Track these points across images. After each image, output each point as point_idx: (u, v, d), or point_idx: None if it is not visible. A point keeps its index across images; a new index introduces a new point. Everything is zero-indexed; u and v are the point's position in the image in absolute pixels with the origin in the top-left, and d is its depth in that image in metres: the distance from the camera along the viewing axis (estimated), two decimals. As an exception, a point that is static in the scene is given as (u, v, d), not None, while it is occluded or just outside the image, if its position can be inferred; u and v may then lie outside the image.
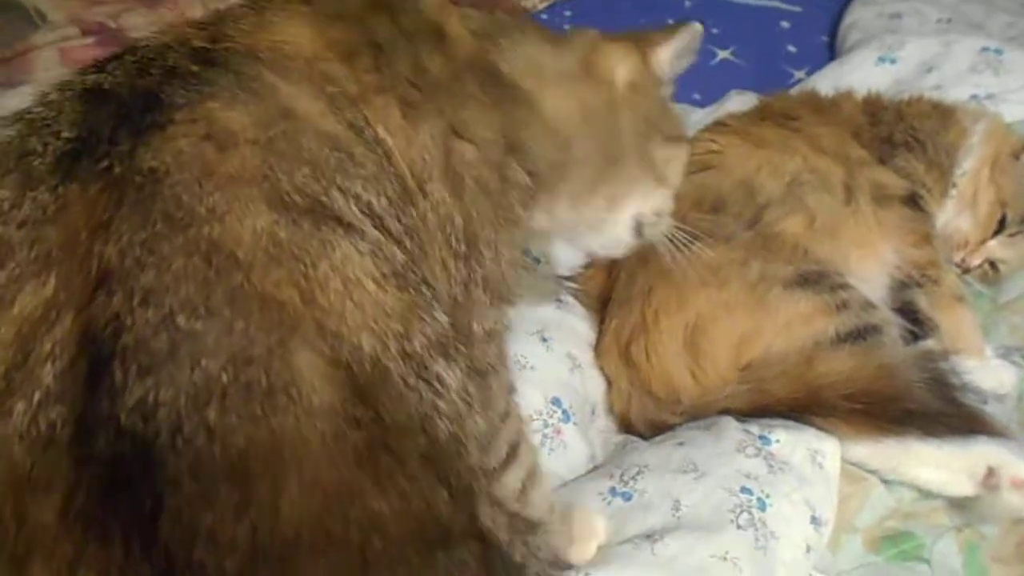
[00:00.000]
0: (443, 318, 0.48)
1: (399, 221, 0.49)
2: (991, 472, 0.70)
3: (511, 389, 0.60)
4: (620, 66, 0.67)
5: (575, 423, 0.79)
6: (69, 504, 0.37)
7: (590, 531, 0.65)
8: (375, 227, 0.47)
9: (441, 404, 0.45)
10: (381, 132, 0.52)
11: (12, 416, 0.38)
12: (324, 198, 0.46)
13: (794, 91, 1.14)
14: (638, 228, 0.68)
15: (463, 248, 0.55)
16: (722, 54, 1.47)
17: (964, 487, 0.71)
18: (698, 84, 1.38)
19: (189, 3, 1.49)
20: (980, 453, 0.70)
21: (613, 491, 0.70)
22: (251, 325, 0.39)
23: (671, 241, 0.72)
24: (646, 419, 0.82)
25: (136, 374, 0.38)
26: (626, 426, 0.84)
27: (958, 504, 0.72)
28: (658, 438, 0.79)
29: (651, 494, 0.69)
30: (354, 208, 0.47)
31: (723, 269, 0.81)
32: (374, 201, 0.48)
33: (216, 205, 0.42)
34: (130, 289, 0.40)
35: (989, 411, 0.73)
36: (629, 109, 0.66)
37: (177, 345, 0.39)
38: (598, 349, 0.87)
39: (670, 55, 0.70)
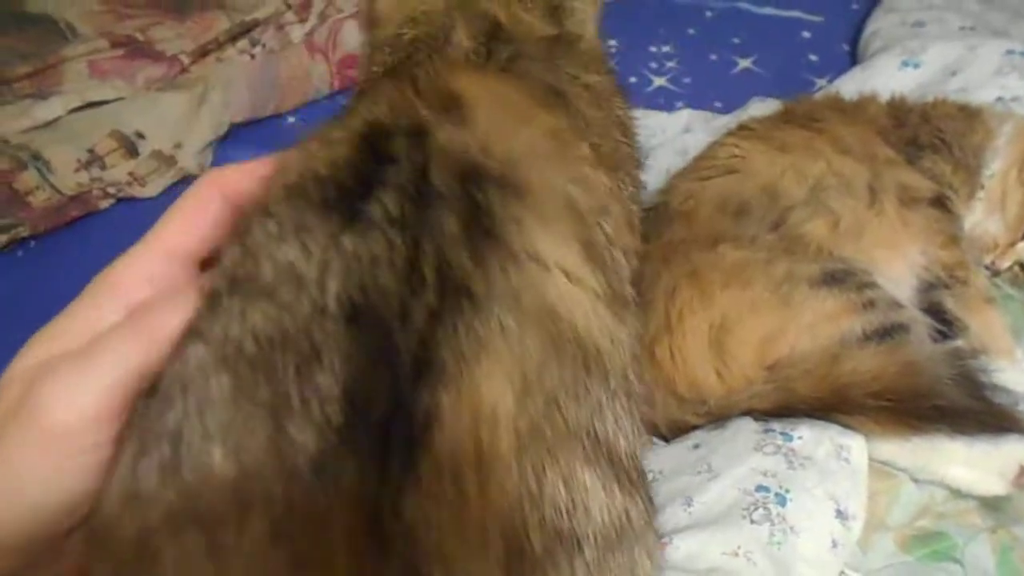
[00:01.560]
0: None
1: None
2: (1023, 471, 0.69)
3: None
4: None
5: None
6: None
7: None
8: None
9: None
10: None
11: None
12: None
13: (818, 95, 1.14)
14: None
15: None
16: (743, 63, 1.47)
17: (996, 486, 0.70)
18: (720, 93, 1.39)
19: (215, 18, 1.52)
20: (1012, 451, 0.69)
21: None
22: None
23: None
24: (669, 420, 0.82)
25: None
26: (648, 427, 0.83)
27: (991, 504, 0.71)
28: (674, 441, 0.78)
29: (663, 497, 0.68)
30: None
31: (748, 269, 0.81)
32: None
33: None
34: None
35: (1021, 410, 0.72)
36: None
37: None
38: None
39: None
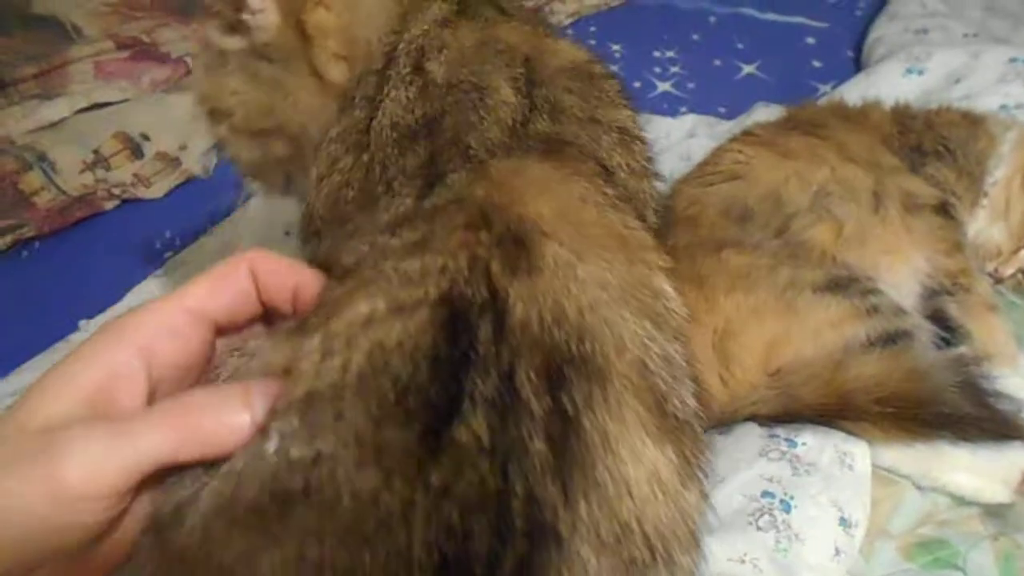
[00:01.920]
0: None
1: None
2: (1027, 479, 0.69)
3: None
4: None
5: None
6: None
7: None
8: None
9: None
10: None
11: None
12: None
13: (821, 101, 1.14)
14: None
15: None
16: (747, 69, 1.47)
17: (999, 494, 0.70)
18: (723, 98, 1.39)
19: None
20: (1015, 459, 0.69)
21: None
22: None
23: None
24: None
25: None
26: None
27: (993, 511, 0.71)
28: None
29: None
30: None
31: (751, 274, 0.81)
32: None
33: None
34: None
35: (1024, 418, 0.72)
36: None
37: None
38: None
39: None
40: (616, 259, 0.45)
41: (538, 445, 0.37)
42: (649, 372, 0.42)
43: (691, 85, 1.45)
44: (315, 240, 0.59)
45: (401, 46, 0.58)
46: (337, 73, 0.60)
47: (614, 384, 0.40)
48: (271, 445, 0.36)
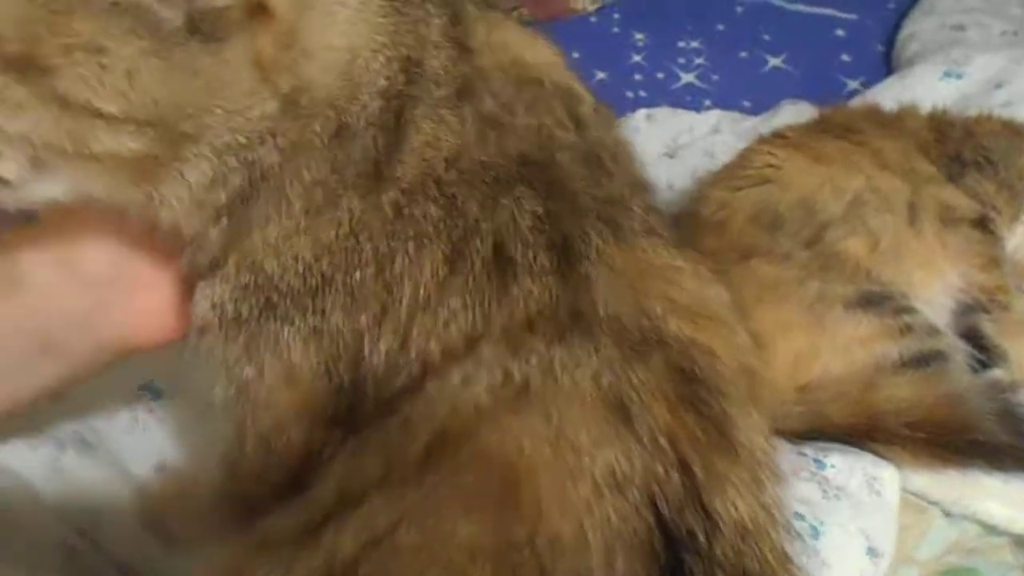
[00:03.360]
0: None
1: None
2: (1061, 510, 0.67)
3: None
4: None
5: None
6: None
7: None
8: None
9: None
10: None
11: None
12: None
13: (854, 103, 1.11)
14: None
15: None
16: (773, 61, 1.44)
17: (1031, 524, 0.68)
18: (749, 91, 1.35)
19: None
20: (1050, 489, 0.67)
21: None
22: None
23: None
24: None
25: None
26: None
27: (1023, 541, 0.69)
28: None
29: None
30: None
31: (781, 286, 0.79)
32: None
33: None
34: None
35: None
36: None
37: None
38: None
39: None
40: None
41: None
42: None
43: (715, 77, 1.42)
44: (253, 322, 0.47)
45: (423, 67, 0.48)
46: (292, 73, 0.45)
47: None
48: None
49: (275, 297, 0.46)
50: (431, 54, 0.48)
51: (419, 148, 0.47)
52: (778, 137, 0.98)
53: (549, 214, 0.45)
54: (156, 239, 0.49)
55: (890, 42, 1.40)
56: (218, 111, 0.43)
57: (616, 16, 1.53)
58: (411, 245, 0.45)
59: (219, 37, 0.42)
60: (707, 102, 1.35)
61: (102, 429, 0.73)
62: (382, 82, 0.47)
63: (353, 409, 0.45)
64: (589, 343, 0.42)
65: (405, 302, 0.45)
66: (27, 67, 0.39)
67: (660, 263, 0.47)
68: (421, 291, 0.44)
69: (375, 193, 0.46)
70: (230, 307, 0.47)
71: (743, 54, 1.45)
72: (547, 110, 0.50)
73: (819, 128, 0.98)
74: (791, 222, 0.85)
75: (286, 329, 0.46)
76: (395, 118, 0.47)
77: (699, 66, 1.44)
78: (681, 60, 1.45)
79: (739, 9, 1.56)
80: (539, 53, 0.53)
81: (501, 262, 0.44)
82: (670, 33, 1.50)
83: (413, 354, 0.44)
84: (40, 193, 0.44)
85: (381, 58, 0.47)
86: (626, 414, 0.40)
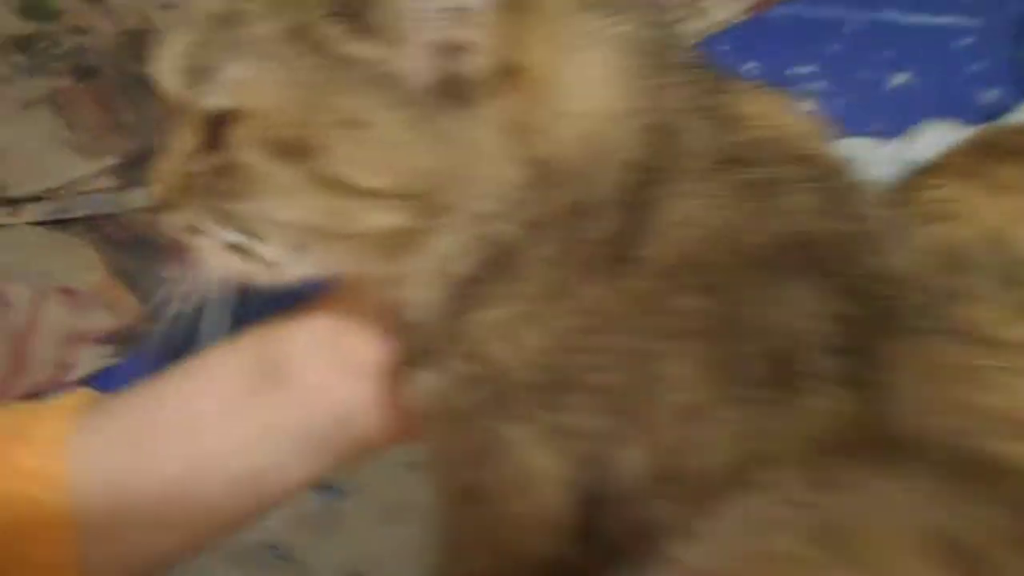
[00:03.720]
0: None
1: None
2: None
3: None
4: None
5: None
6: None
7: None
8: None
9: None
10: None
11: None
12: None
13: (1017, 120, 1.03)
14: None
15: None
16: (898, 79, 1.37)
17: None
18: (876, 114, 1.29)
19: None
20: None
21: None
22: None
23: None
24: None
25: None
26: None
27: None
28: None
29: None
30: None
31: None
32: None
33: None
34: None
35: None
36: None
37: None
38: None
39: None
40: None
41: None
42: None
43: (838, 101, 1.36)
44: (477, 417, 0.43)
45: (680, 137, 0.44)
46: (543, 138, 0.42)
47: None
48: None
49: (504, 389, 0.43)
50: (690, 122, 0.45)
51: (672, 228, 0.43)
52: (940, 167, 0.92)
53: (835, 312, 0.40)
54: (388, 322, 0.47)
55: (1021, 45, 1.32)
56: (470, 179, 0.42)
57: (724, 47, 1.48)
58: (664, 341, 0.41)
59: (473, 101, 0.41)
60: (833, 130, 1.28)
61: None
62: (633, 151, 0.44)
63: (592, 525, 0.42)
64: (900, 471, 0.36)
65: (658, 410, 0.41)
66: (293, 151, 0.38)
67: (960, 362, 0.42)
68: (680, 397, 0.40)
69: (620, 278, 0.42)
70: (451, 399, 0.44)
71: (863, 75, 1.39)
72: (819, 189, 0.46)
73: (984, 153, 0.91)
74: (980, 259, 0.78)
75: (516, 428, 0.43)
76: (645, 192, 0.44)
77: (817, 92, 1.38)
78: (798, 87, 1.39)
79: (845, 29, 1.49)
80: (802, 126, 0.50)
81: (779, 367, 0.39)
82: (778, 60, 1.44)
83: (671, 473, 0.40)
84: (291, 273, 0.45)
85: (636, 125, 0.44)
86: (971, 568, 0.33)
